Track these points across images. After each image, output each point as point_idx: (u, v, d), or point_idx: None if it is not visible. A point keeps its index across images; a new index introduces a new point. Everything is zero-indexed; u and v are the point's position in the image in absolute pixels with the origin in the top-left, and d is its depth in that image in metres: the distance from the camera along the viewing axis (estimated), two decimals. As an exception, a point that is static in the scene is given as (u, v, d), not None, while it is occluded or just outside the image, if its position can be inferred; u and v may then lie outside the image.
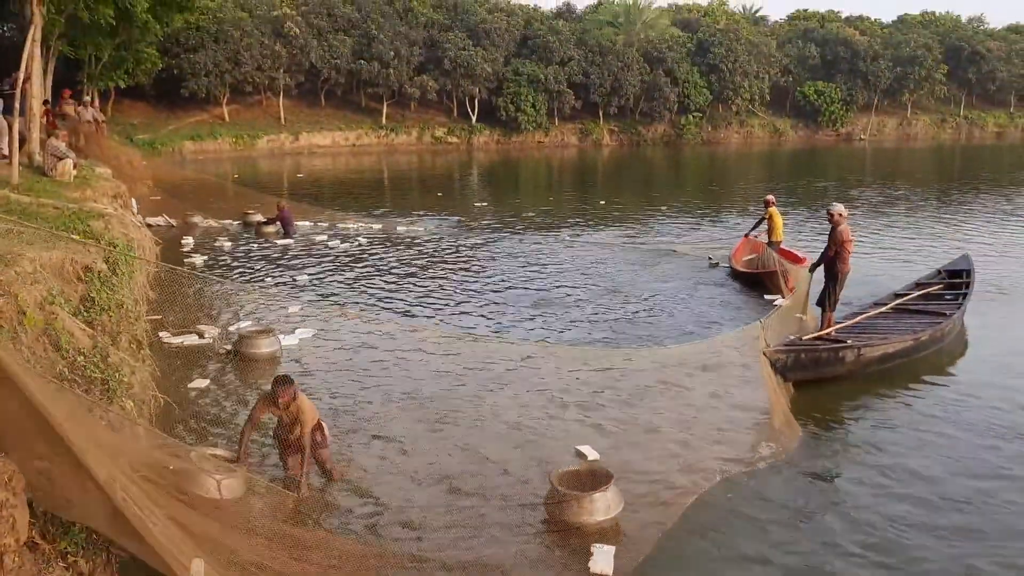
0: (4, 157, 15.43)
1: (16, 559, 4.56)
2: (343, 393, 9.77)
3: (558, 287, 15.71)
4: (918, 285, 14.41)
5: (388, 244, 19.89)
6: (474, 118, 59.16)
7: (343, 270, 17.09)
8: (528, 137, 59.43)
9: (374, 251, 19.07)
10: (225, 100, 51.58)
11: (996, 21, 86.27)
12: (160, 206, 23.22)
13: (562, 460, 7.83)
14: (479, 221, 24.51)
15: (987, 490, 7.67)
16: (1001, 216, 25.70)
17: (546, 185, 39.83)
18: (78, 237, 9.85)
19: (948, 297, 13.72)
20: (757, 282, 15.57)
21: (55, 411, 4.61)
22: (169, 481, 5.72)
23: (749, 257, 16.77)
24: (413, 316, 13.57)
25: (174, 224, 21.22)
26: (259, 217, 21.50)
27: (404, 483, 7.58)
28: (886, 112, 74.63)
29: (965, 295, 13.53)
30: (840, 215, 11.94)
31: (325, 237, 20.39)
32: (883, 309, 12.98)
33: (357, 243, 19.86)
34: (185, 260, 17.24)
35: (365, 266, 17.50)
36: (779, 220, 16.89)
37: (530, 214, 26.44)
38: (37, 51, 17.44)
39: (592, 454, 8.08)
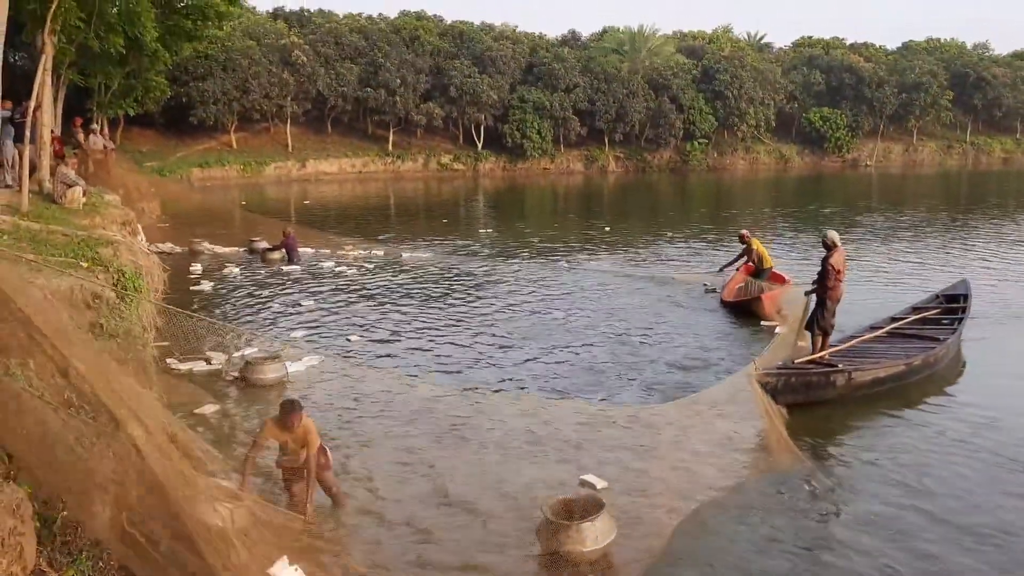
0: (8, 187, 15.54)
1: (23, 587, 4.54)
2: (349, 419, 9.76)
3: (555, 316, 15.63)
4: (915, 310, 14.45)
5: (391, 271, 19.92)
6: (480, 145, 59.42)
7: (347, 296, 17.13)
8: (534, 164, 59.62)
9: (377, 278, 19.11)
10: (233, 128, 51.95)
11: (1001, 47, 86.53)
12: (168, 232, 23.31)
13: (568, 490, 7.78)
14: (483, 248, 24.57)
15: (989, 517, 7.67)
16: (1006, 242, 25.75)
17: (551, 212, 39.91)
18: (86, 265, 9.87)
19: (945, 322, 13.75)
20: (748, 311, 15.79)
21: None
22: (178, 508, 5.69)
23: (739, 287, 16.95)
24: (408, 354, 13.43)
25: (181, 251, 21.28)
26: (264, 244, 21.56)
27: (404, 507, 7.60)
28: (892, 138, 74.71)
29: (961, 320, 13.56)
30: (834, 243, 11.93)
31: (332, 263, 20.44)
32: (878, 333, 13.02)
33: (361, 270, 19.90)
34: (192, 287, 17.30)
35: (367, 293, 17.53)
36: (763, 248, 17.23)
37: (534, 240, 26.50)
38: (48, 80, 17.60)
39: (600, 483, 8.01)
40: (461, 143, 60.31)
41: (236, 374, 11.14)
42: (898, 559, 6.91)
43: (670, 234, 28.06)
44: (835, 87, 69.68)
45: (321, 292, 17.47)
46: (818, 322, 11.88)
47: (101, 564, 5.16)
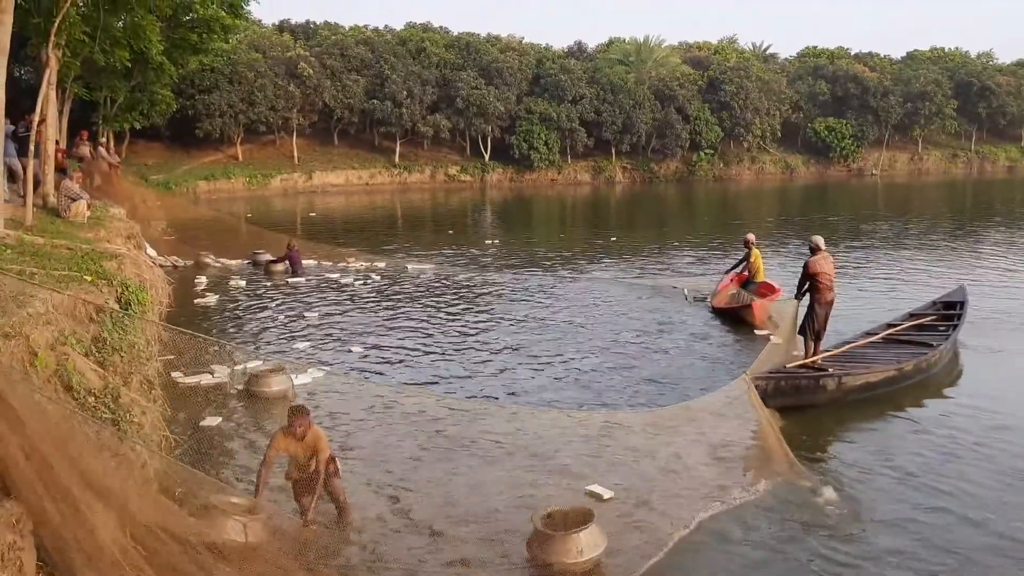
0: (20, 197, 15.52)
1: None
2: (351, 430, 9.73)
3: (555, 327, 15.57)
4: (912, 316, 14.61)
5: (395, 283, 19.87)
6: (487, 156, 59.49)
7: (350, 308, 17.11)
8: (541, 175, 59.67)
9: (380, 290, 19.08)
10: (239, 140, 52.10)
11: (1005, 56, 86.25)
12: (173, 245, 23.31)
13: (575, 501, 7.72)
14: (489, 259, 24.56)
15: (981, 520, 7.73)
16: (1010, 250, 25.80)
17: (559, 222, 39.91)
18: (89, 278, 9.85)
19: (941, 328, 13.87)
20: (738, 319, 16.02)
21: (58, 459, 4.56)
22: (185, 530, 5.65)
23: (729, 294, 17.11)
24: (411, 366, 13.36)
25: (187, 265, 21.27)
26: (267, 256, 21.53)
27: (401, 516, 7.62)
28: (897, 147, 74.66)
29: (955, 326, 13.69)
30: (818, 247, 12.07)
31: (337, 275, 20.41)
32: (873, 339, 13.18)
33: (366, 281, 19.86)
34: (196, 300, 17.29)
35: (371, 305, 17.52)
36: (760, 260, 17.32)
37: (541, 251, 26.50)
38: (52, 94, 17.64)
39: (606, 493, 7.96)
40: (468, 154, 60.40)
41: (240, 387, 11.10)
42: (896, 564, 6.96)
43: (677, 244, 28.06)
44: (840, 97, 69.66)
45: (325, 304, 17.43)
46: (809, 326, 12.01)
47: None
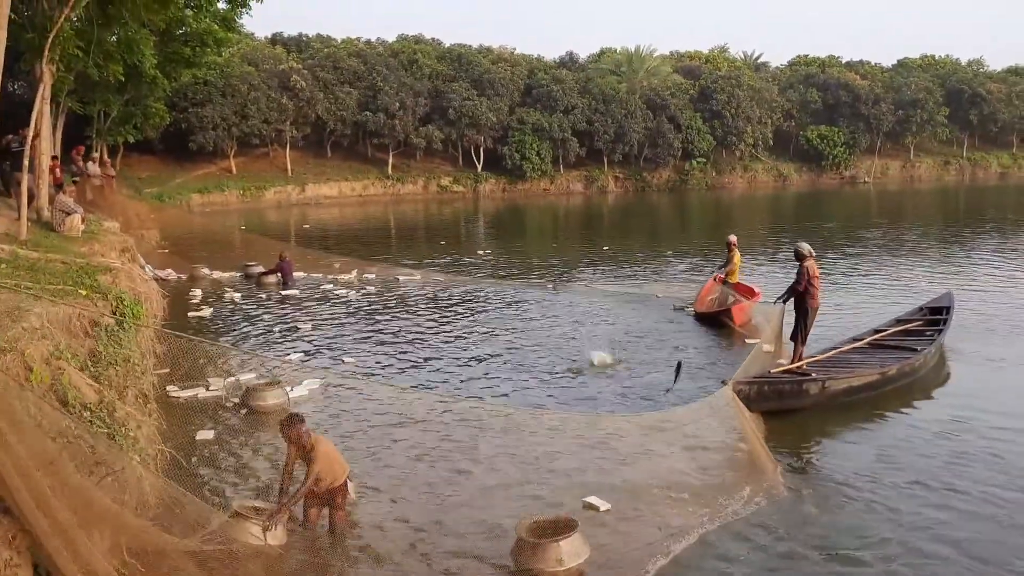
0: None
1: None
2: (348, 438, 9.75)
3: (543, 336, 15.58)
4: (898, 321, 14.75)
5: (386, 293, 19.90)
6: (479, 167, 59.60)
7: (343, 318, 17.15)
8: (534, 185, 59.79)
9: (372, 300, 19.12)
10: (232, 153, 52.15)
11: (995, 63, 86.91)
12: (168, 259, 23.30)
13: (572, 512, 7.75)
14: (480, 269, 24.61)
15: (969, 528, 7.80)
16: (1001, 256, 25.94)
17: (551, 232, 39.97)
18: (84, 292, 9.85)
19: (927, 333, 14.01)
20: (719, 322, 16.27)
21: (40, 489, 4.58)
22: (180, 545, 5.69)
23: (710, 298, 17.30)
24: (403, 376, 13.42)
25: (182, 277, 21.26)
26: (259, 268, 21.52)
27: (390, 525, 7.68)
28: (889, 155, 75.00)
29: (941, 331, 13.84)
30: (806, 254, 12.28)
31: (330, 286, 20.43)
32: (859, 344, 13.33)
33: (359, 292, 19.89)
34: (190, 313, 17.29)
35: (363, 314, 17.56)
36: (738, 263, 17.68)
37: (532, 261, 26.58)
38: (46, 109, 17.64)
39: (603, 505, 7.97)
40: (461, 165, 60.50)
41: (236, 400, 11.10)
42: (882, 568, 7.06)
43: (670, 252, 28.11)
44: (832, 105, 70.00)
45: (317, 315, 17.47)
46: (800, 331, 12.24)
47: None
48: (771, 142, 68.37)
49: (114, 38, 20.68)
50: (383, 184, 56.87)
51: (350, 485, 7.51)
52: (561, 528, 6.93)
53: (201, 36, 27.03)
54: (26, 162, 15.23)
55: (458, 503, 8.21)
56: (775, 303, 13.27)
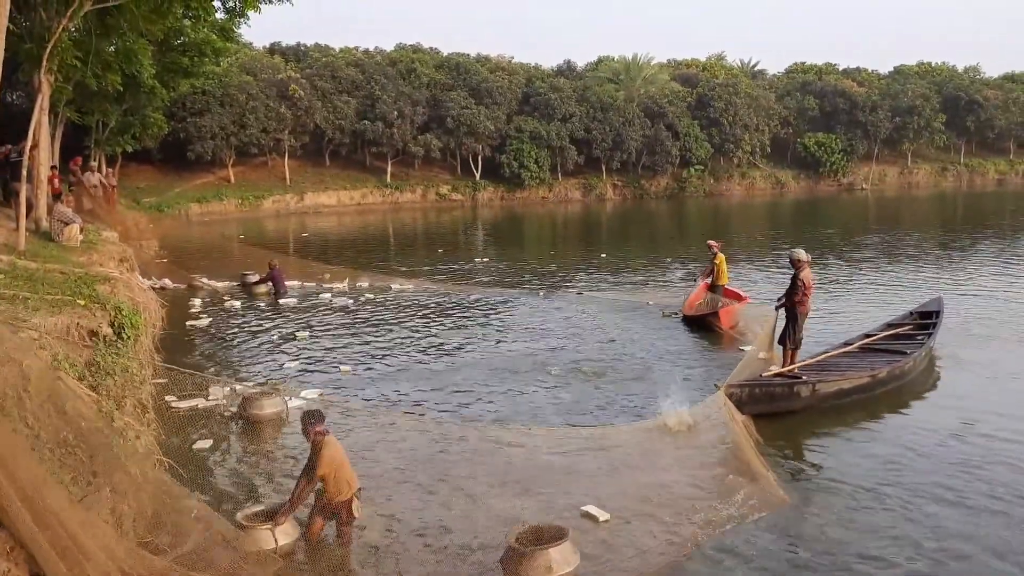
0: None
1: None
2: (347, 449, 9.71)
3: (534, 345, 15.60)
4: (889, 326, 14.93)
5: (382, 301, 19.93)
6: (478, 175, 59.65)
7: (339, 327, 17.20)
8: (532, 193, 59.84)
9: (368, 308, 19.16)
10: (231, 162, 52.17)
11: (992, 70, 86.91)
12: (166, 268, 23.31)
13: (570, 521, 7.76)
14: (477, 277, 24.66)
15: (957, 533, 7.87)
16: (995, 261, 26.19)
17: (550, 240, 39.98)
18: (83, 302, 9.87)
19: (918, 337, 14.18)
20: (707, 326, 16.63)
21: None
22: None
23: (697, 303, 17.63)
24: (398, 384, 13.41)
25: (180, 287, 21.27)
26: (255, 278, 21.51)
27: (385, 536, 7.71)
28: (887, 161, 75.08)
29: (931, 335, 14.04)
30: (801, 260, 12.49)
31: (328, 295, 20.43)
32: (849, 348, 13.54)
33: (353, 300, 19.92)
34: (189, 322, 17.31)
35: (359, 323, 17.63)
36: (724, 265, 17.89)
37: (530, 268, 26.58)
38: (45, 119, 17.70)
39: (602, 515, 7.98)
40: (459, 173, 60.53)
41: (234, 409, 11.11)
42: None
43: (669, 259, 28.17)
44: (829, 112, 70.10)
45: (313, 323, 17.51)
46: (790, 336, 12.45)
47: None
48: (768, 149, 68.47)
49: (112, 48, 20.75)
50: (381, 193, 56.89)
51: (356, 504, 7.46)
52: (551, 536, 6.96)
53: (199, 46, 27.14)
54: (24, 172, 15.27)
55: (452, 514, 8.21)
56: (776, 308, 13.27)
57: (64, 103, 22.79)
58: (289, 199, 53.16)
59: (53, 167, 21.64)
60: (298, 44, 64.97)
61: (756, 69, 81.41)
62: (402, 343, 15.80)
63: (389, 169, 57.56)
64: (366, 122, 54.44)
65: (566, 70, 70.53)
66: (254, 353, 15.13)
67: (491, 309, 19.21)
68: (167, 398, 11.27)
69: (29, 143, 15.37)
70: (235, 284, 21.72)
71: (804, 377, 11.75)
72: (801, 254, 12.57)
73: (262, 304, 19.63)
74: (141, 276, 19.44)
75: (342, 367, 13.89)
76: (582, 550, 7.09)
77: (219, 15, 24.75)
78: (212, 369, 13.77)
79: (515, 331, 16.79)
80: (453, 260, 28.88)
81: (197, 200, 48.41)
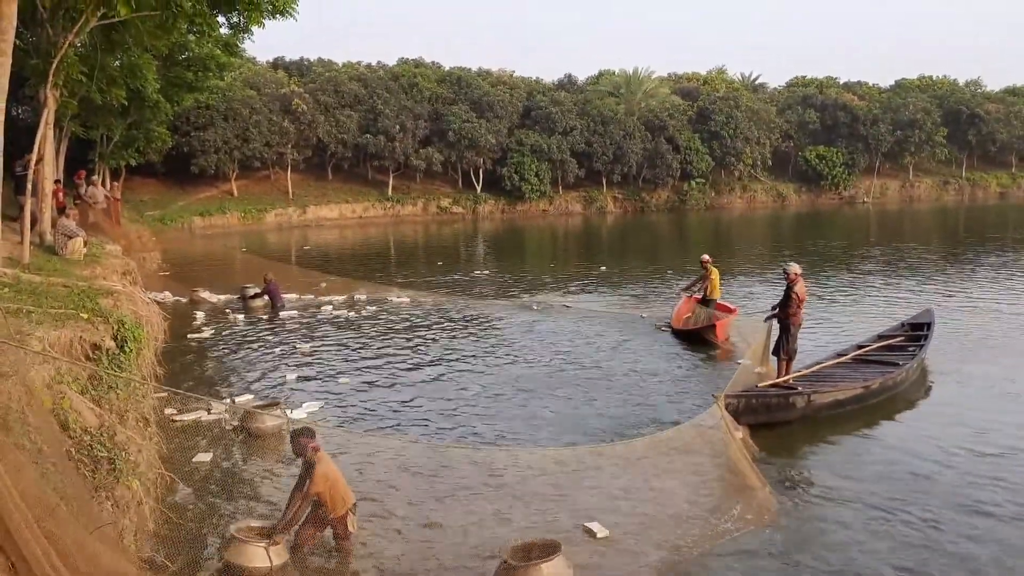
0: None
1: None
2: (344, 466, 9.77)
3: (529, 361, 15.59)
4: (880, 337, 15.14)
5: (381, 314, 20.00)
6: (479, 188, 59.81)
7: (338, 339, 17.29)
8: (533, 206, 59.98)
9: (367, 321, 19.24)
10: (234, 176, 52.38)
11: (993, 84, 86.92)
12: (169, 282, 23.40)
13: (570, 537, 7.81)
14: (477, 289, 24.74)
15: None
16: (991, 275, 26.35)
17: (550, 253, 40.06)
18: (86, 316, 9.95)
19: (910, 349, 14.36)
20: (701, 339, 16.70)
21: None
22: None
23: (687, 316, 17.80)
24: (392, 392, 13.51)
25: (181, 300, 21.34)
26: (254, 291, 21.49)
27: (382, 551, 7.73)
28: (888, 175, 75.19)
29: (922, 346, 14.22)
30: (796, 274, 12.77)
31: (329, 307, 20.50)
32: (843, 359, 13.75)
33: (354, 313, 20.00)
34: (190, 335, 17.37)
35: (358, 336, 17.71)
36: (717, 280, 17.94)
37: (529, 281, 26.65)
38: (50, 133, 17.84)
39: (602, 531, 8.00)
40: (460, 187, 60.68)
41: (236, 423, 11.17)
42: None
43: (671, 272, 28.22)
44: (830, 125, 70.28)
45: (313, 336, 17.60)
46: (783, 347, 12.70)
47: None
48: (770, 162, 68.66)
49: (117, 63, 20.93)
50: (383, 206, 57.04)
51: (352, 519, 7.51)
52: (545, 551, 6.99)
53: (203, 61, 27.33)
54: (29, 186, 15.38)
55: (446, 531, 8.23)
56: (765, 320, 13.65)
57: (69, 117, 22.93)
58: (291, 212, 53.32)
59: (57, 181, 21.79)
60: (301, 59, 65.37)
61: (757, 82, 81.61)
62: (401, 355, 15.87)
63: (391, 182, 57.74)
64: (368, 136, 54.66)
65: (567, 84, 70.79)
66: (255, 366, 15.17)
67: (486, 322, 19.30)
68: (167, 411, 11.34)
69: (34, 157, 15.48)
70: (235, 298, 21.71)
71: (799, 388, 11.91)
72: (795, 267, 12.84)
73: (264, 317, 19.69)
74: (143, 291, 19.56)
75: (340, 380, 13.96)
76: (580, 565, 7.12)
77: (223, 30, 24.93)
78: (213, 381, 13.82)
79: (509, 346, 16.82)
80: (453, 273, 28.92)
81: (200, 213, 48.58)
